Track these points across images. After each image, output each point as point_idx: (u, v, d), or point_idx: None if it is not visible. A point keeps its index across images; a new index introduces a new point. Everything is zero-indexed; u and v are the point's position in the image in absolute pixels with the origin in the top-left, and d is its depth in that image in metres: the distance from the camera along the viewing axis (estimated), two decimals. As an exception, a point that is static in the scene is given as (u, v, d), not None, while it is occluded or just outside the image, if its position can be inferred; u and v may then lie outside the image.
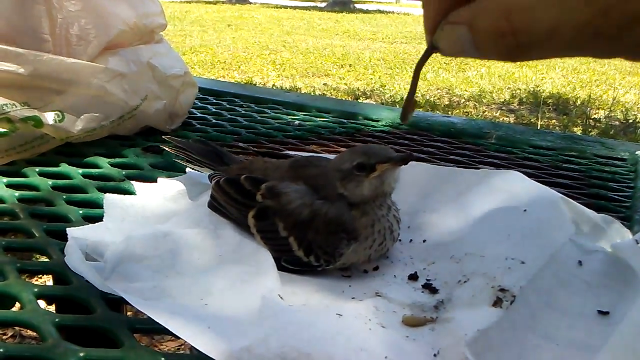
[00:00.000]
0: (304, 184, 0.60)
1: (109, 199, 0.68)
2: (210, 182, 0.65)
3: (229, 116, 1.13)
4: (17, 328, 1.62)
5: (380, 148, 0.61)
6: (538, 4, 0.33)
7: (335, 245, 0.57)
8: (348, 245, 0.57)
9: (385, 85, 5.19)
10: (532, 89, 5.15)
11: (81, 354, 0.44)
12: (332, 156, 0.70)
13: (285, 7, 14.96)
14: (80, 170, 0.81)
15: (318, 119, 1.15)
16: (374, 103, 4.45)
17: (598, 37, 0.32)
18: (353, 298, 0.54)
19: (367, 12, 14.59)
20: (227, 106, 1.21)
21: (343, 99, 4.38)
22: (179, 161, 0.76)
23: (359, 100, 4.62)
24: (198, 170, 0.73)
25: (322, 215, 0.58)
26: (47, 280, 1.62)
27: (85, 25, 0.87)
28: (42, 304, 0.52)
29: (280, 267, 0.56)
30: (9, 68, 0.80)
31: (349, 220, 0.58)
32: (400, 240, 0.63)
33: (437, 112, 4.17)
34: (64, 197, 0.72)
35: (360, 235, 0.58)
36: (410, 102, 0.43)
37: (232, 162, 0.71)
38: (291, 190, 0.59)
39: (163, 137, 0.83)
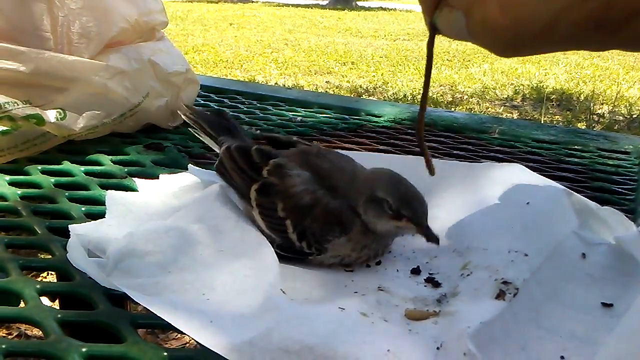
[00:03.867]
0: (309, 171, 0.60)
1: (111, 195, 0.68)
2: (220, 146, 0.65)
3: (231, 113, 1.13)
4: (22, 328, 1.63)
5: (420, 202, 0.57)
6: (534, 0, 0.32)
7: (326, 235, 0.57)
8: (339, 235, 0.57)
9: (388, 83, 5.18)
10: (535, 85, 5.13)
11: (84, 350, 0.44)
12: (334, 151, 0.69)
13: (287, 5, 14.95)
14: (83, 168, 0.81)
15: (320, 115, 1.15)
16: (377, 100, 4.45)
17: (599, 30, 0.31)
18: (355, 292, 0.54)
19: (369, 9, 14.56)
20: (229, 103, 1.21)
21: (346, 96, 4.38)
22: (190, 130, 0.75)
23: (361, 97, 4.62)
24: (207, 143, 0.72)
25: (323, 204, 0.58)
26: (52, 278, 1.63)
27: (87, 23, 0.88)
28: (45, 301, 0.52)
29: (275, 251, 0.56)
30: (10, 66, 0.80)
31: (347, 217, 0.58)
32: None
33: (440, 108, 4.16)
34: (66, 194, 0.72)
35: (352, 237, 0.57)
36: (427, 83, 0.45)
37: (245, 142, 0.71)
38: (296, 174, 0.59)
39: (182, 104, 0.81)
